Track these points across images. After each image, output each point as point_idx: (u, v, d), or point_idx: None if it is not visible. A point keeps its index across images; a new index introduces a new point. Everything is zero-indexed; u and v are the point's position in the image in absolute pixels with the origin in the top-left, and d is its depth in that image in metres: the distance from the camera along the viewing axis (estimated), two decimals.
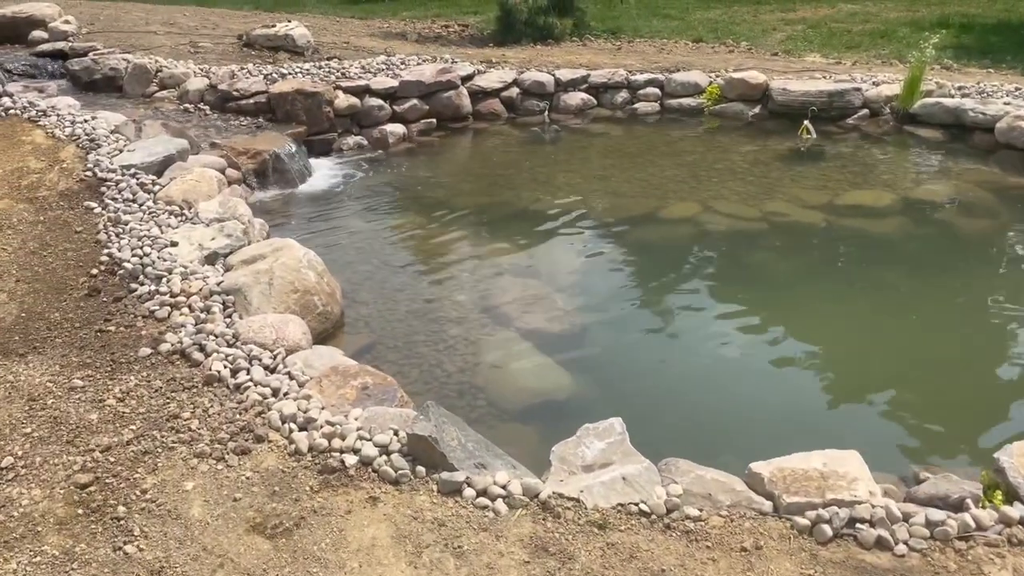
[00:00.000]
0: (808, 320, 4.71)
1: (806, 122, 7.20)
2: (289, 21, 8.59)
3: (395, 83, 7.66)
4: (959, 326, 4.57)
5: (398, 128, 7.55)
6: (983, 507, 2.60)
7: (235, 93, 7.01)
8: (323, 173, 6.75)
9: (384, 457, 2.74)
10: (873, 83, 7.82)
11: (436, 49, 9.78)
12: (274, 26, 8.43)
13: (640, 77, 8.41)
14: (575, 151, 7.47)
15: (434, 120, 7.84)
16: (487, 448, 2.84)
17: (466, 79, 8.15)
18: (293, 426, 2.91)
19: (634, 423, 3.05)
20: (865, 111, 7.58)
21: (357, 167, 7.01)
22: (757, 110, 7.84)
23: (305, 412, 2.95)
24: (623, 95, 8.38)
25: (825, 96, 7.48)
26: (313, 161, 6.83)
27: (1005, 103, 6.87)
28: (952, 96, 7.36)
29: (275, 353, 3.41)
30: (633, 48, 10.20)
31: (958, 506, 2.60)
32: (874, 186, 6.31)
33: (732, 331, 4.53)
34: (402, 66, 8.22)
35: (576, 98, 8.31)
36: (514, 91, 8.31)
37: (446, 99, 7.87)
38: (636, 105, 8.31)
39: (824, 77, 8.04)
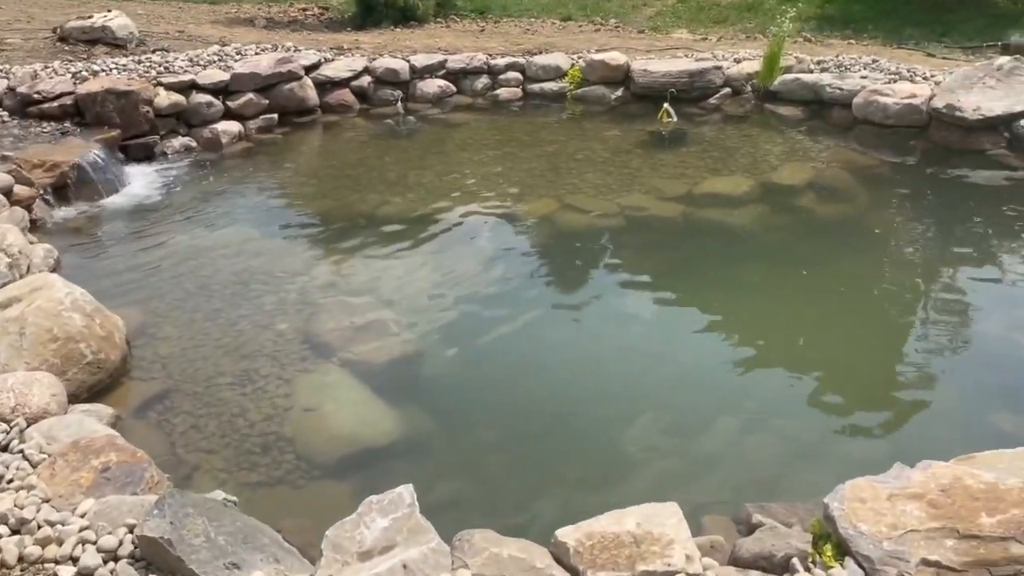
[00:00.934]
0: (663, 328, 4.40)
1: (666, 105, 6.92)
2: (109, 11, 7.74)
3: (226, 76, 6.98)
4: (818, 325, 4.33)
5: (232, 126, 6.88)
6: (812, 562, 2.30)
7: (36, 96, 6.20)
8: (142, 182, 6.05)
9: (110, 566, 2.23)
10: (735, 60, 7.61)
11: (286, 36, 9.08)
12: (90, 17, 7.58)
13: (501, 61, 7.97)
14: (431, 145, 6.98)
15: (276, 115, 7.20)
16: (245, 540, 2.36)
17: (310, 69, 7.52)
18: (4, 529, 2.36)
19: (460, 472, 2.65)
20: (727, 90, 7.36)
21: (183, 173, 6.33)
22: (620, 93, 7.52)
23: (21, 509, 2.40)
24: (483, 81, 7.93)
25: (686, 76, 7.22)
26: (131, 169, 6.12)
27: (862, 77, 6.74)
28: (811, 71, 7.21)
29: (12, 425, 2.84)
30: (498, 29, 9.75)
31: (784, 566, 2.28)
32: (733, 171, 6.07)
33: (585, 346, 4.19)
34: (238, 57, 7.53)
35: (433, 86, 7.80)
36: (366, 80, 7.74)
37: (288, 92, 7.24)
38: (497, 91, 7.87)
39: (686, 56, 7.79)
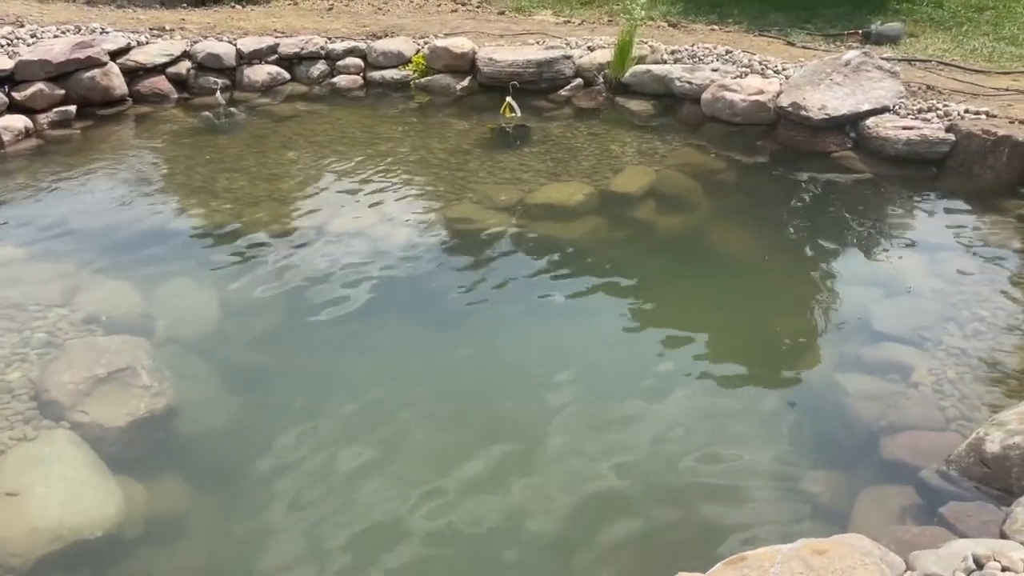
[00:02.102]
0: (464, 365, 3.93)
1: (508, 99, 6.40)
2: None
3: (11, 64, 6.09)
4: (644, 355, 3.94)
5: (16, 121, 6.00)
6: None
7: None
8: None
9: None
10: (588, 48, 7.13)
11: (105, 14, 8.12)
12: None
13: (339, 46, 7.28)
14: (251, 142, 6.28)
15: (74, 107, 6.35)
16: None
17: (118, 54, 6.70)
18: None
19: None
20: (579, 81, 6.89)
21: None
22: (466, 83, 6.95)
23: None
24: (321, 67, 7.23)
25: (533, 67, 6.70)
26: None
27: (713, 70, 6.37)
28: (664, 62, 6.81)
29: None
30: (348, 7, 9.01)
31: None
32: (573, 176, 5.61)
33: (384, 394, 3.68)
34: (31, 40, 6.62)
35: (262, 72, 7.06)
36: (185, 66, 6.95)
37: (89, 80, 6.39)
38: (336, 79, 7.20)
39: (538, 43, 7.28)
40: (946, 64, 6.66)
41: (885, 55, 6.95)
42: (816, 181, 5.46)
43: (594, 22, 8.58)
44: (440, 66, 7.01)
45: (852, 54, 5.79)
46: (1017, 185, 4.89)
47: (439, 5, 9.25)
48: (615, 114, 6.62)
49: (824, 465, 3.27)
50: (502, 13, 8.95)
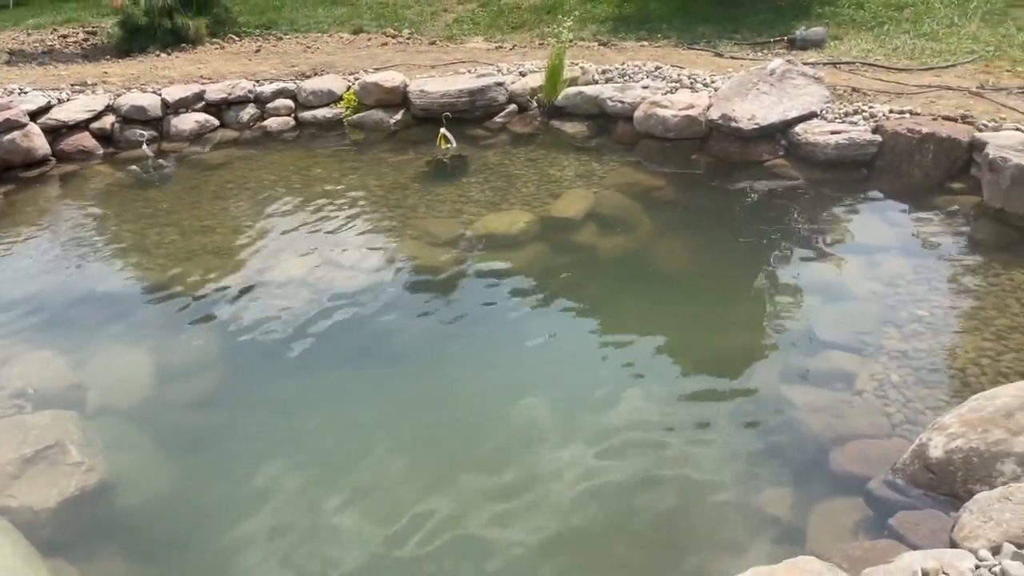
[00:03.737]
0: (435, 407, 3.84)
1: (442, 130, 6.35)
2: None
3: None
4: (598, 391, 3.86)
5: None
6: None
7: None
8: None
9: None
10: (520, 73, 7.14)
11: (24, 73, 7.92)
12: None
13: (268, 88, 7.19)
14: (183, 193, 6.14)
15: None
16: None
17: (37, 113, 6.52)
18: None
19: None
20: (513, 107, 6.87)
21: None
22: (399, 117, 6.90)
23: None
24: (250, 111, 7.12)
25: (466, 96, 6.67)
26: None
27: (644, 87, 6.40)
28: (596, 82, 6.83)
29: None
30: (277, 48, 8.92)
31: None
32: (513, 204, 5.57)
33: (330, 445, 3.59)
34: None
35: (190, 121, 6.93)
36: (110, 120, 6.80)
37: (8, 143, 6.22)
38: (267, 122, 7.10)
39: (469, 71, 7.26)
40: (870, 64, 6.78)
41: (811, 60, 7.07)
42: (751, 191, 5.50)
43: (525, 46, 8.60)
44: (372, 102, 6.95)
45: (777, 63, 5.86)
46: (945, 181, 4.96)
47: (369, 39, 9.20)
48: (551, 138, 6.62)
49: (777, 482, 3.24)
50: (433, 43, 8.93)
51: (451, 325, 4.44)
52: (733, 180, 5.62)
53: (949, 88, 5.90)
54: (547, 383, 3.94)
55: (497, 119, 6.81)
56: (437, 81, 6.91)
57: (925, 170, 5.03)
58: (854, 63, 6.84)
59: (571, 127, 6.57)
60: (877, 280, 4.34)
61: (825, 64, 6.90)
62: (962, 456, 2.72)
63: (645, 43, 8.35)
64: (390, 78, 6.89)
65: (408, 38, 9.25)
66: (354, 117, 7.00)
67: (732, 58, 7.45)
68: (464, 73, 7.20)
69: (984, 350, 3.66)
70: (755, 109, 5.58)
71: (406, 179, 6.14)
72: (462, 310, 4.59)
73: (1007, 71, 6.30)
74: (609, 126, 6.47)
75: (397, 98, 6.89)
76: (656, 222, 5.34)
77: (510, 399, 3.79)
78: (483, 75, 6.96)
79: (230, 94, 7.08)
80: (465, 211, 5.55)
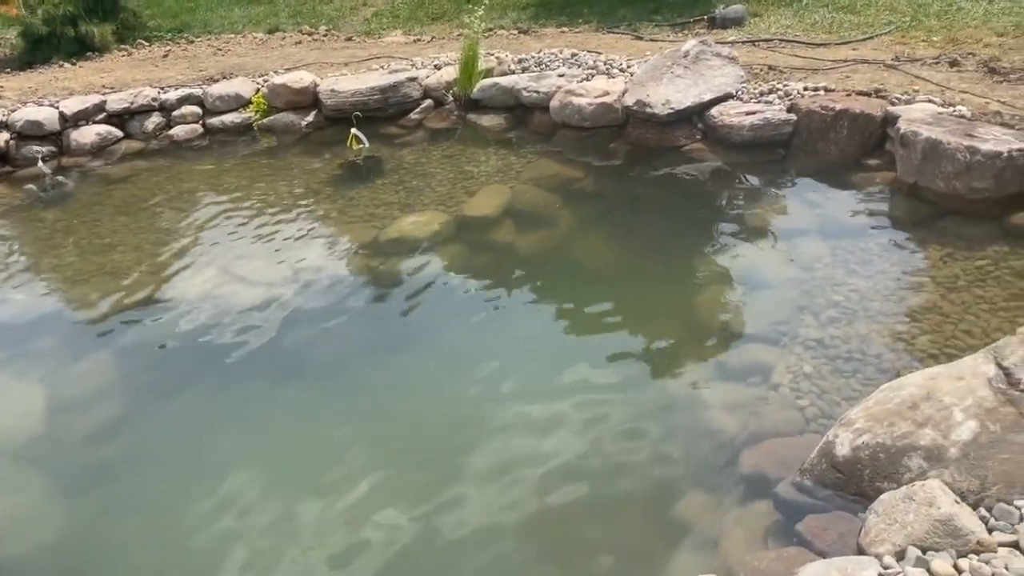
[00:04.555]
0: (356, 421, 3.63)
1: (353, 131, 6.11)
2: None
3: None
4: (514, 398, 3.69)
5: None
6: None
7: None
8: None
9: None
10: (435, 67, 6.91)
11: None
12: None
13: (173, 95, 6.85)
14: (82, 211, 5.81)
15: None
16: None
17: None
18: None
19: None
20: (428, 102, 6.65)
21: None
22: (311, 118, 6.63)
23: None
24: (155, 119, 6.79)
25: (378, 93, 6.43)
26: None
27: (560, 75, 6.22)
28: (513, 72, 6.64)
29: None
30: (187, 52, 8.56)
31: None
32: (427, 205, 5.36)
33: (246, 471, 3.36)
34: None
35: (91, 133, 6.58)
36: (3, 137, 6.41)
37: None
38: (173, 130, 6.77)
39: (383, 67, 7.01)
40: (789, 41, 6.69)
41: (730, 38, 6.96)
42: (670, 178, 5.36)
43: (444, 38, 8.37)
44: (282, 104, 6.67)
45: (690, 44, 5.72)
46: (861, 157, 4.86)
47: (284, 39, 8.88)
48: (468, 132, 6.41)
49: (691, 487, 3.10)
50: (349, 39, 8.65)
51: (364, 335, 4.25)
52: (652, 167, 5.48)
53: (865, 62, 5.82)
54: (460, 391, 3.77)
55: (413, 115, 6.58)
56: (348, 79, 6.65)
57: (841, 147, 4.93)
58: (772, 40, 6.75)
59: (488, 120, 6.37)
60: (796, 265, 4.23)
61: (744, 43, 6.80)
62: (869, 453, 2.60)
63: (566, 29, 8.17)
64: (299, 79, 6.62)
65: (324, 35, 8.95)
66: (264, 121, 6.72)
67: (652, 40, 7.31)
68: (377, 70, 6.95)
69: (899, 333, 3.56)
70: (670, 93, 5.44)
71: (318, 184, 5.89)
72: (375, 318, 4.39)
73: (922, 41, 6.25)
74: (527, 117, 6.28)
75: (307, 99, 6.62)
76: (574, 215, 5.18)
77: (426, 408, 3.64)
78: (396, 71, 6.72)
79: (133, 103, 6.74)
80: (378, 215, 5.33)
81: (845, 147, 4.92)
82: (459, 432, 3.51)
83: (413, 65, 6.97)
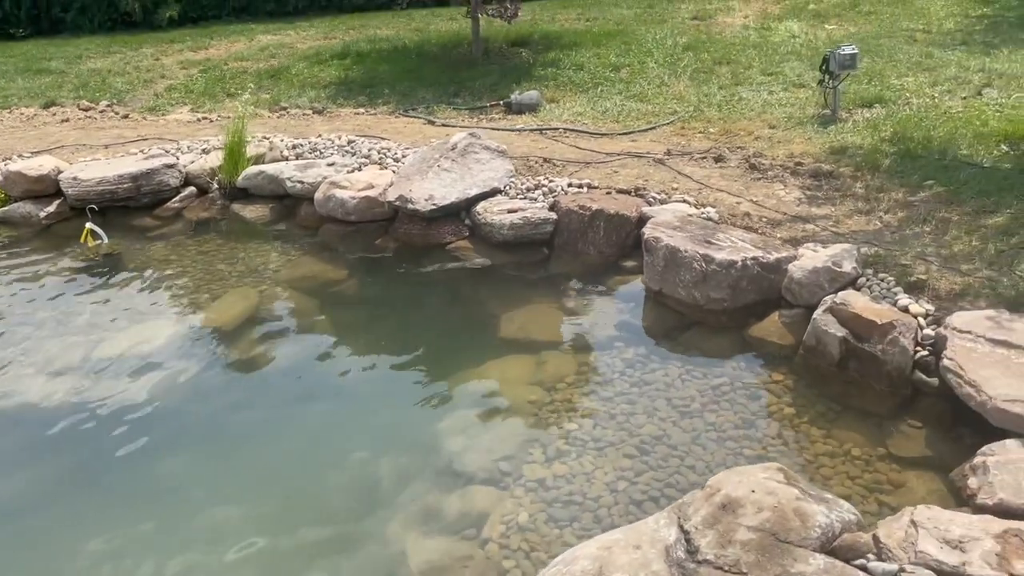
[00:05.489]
0: None
1: (88, 225, 5.46)
2: None
3: None
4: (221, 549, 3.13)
5: None
6: None
7: None
8: None
9: None
10: (204, 151, 6.36)
11: None
12: None
13: None
14: None
15: None
16: None
17: None
18: None
19: None
20: (191, 190, 6.07)
21: None
22: (52, 208, 5.89)
23: None
24: None
25: (128, 180, 5.80)
26: None
27: (329, 164, 5.81)
28: (286, 158, 6.18)
29: None
30: None
31: None
32: (164, 311, 4.77)
33: None
34: None
35: None
36: None
37: None
38: None
39: (141, 152, 6.38)
40: (574, 130, 6.56)
41: (518, 125, 6.79)
42: (431, 280, 4.98)
43: (233, 115, 7.83)
44: (19, 192, 5.92)
45: (458, 137, 5.44)
46: (620, 259, 4.65)
47: (54, 114, 8.09)
48: (231, 224, 5.85)
49: None
50: (126, 116, 7.97)
51: (65, 482, 3.57)
52: (418, 266, 5.08)
53: (639, 155, 5.71)
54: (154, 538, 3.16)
55: (172, 204, 5.97)
56: (97, 166, 6.00)
57: (599, 248, 4.72)
58: (558, 129, 6.61)
59: (252, 211, 5.85)
60: (538, 384, 3.89)
61: (532, 130, 6.63)
62: None
63: (362, 110, 7.81)
64: (36, 165, 5.90)
65: (103, 111, 8.22)
66: (0, 211, 5.93)
67: (444, 125, 7.04)
68: (136, 154, 6.31)
69: (623, 470, 3.25)
70: (434, 188, 5.11)
71: (49, 287, 5.17)
72: (81, 461, 3.72)
73: (700, 132, 6.25)
74: (295, 209, 5.80)
75: (49, 187, 5.90)
76: (326, 324, 4.71)
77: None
78: (152, 156, 6.12)
79: None
80: (101, 326, 4.67)
81: (603, 248, 4.70)
82: None
83: (179, 149, 6.39)
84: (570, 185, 5.11)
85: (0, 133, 7.39)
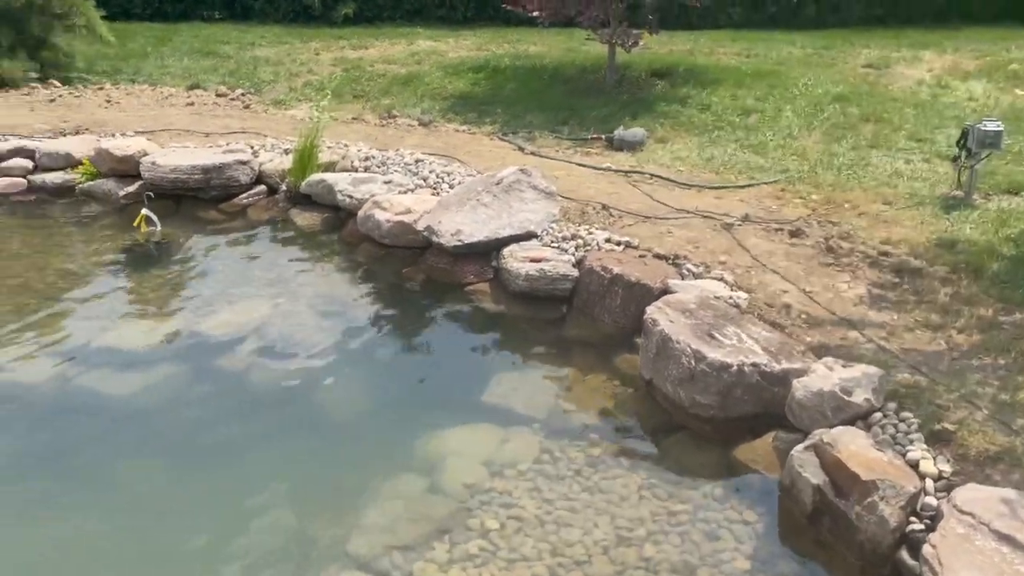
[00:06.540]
0: None
1: (144, 211, 5.58)
2: None
3: None
4: None
5: None
6: None
7: None
8: None
9: None
10: (285, 151, 6.37)
11: None
12: None
13: (4, 145, 6.45)
14: None
15: None
16: None
17: None
18: None
19: None
20: (262, 188, 6.10)
21: None
22: (133, 189, 6.10)
23: None
24: None
25: (199, 172, 5.89)
26: None
27: (386, 181, 5.60)
28: (356, 169, 6.05)
29: None
30: (78, 99, 8.24)
31: None
32: (176, 311, 4.74)
33: None
34: None
35: None
36: None
37: None
38: None
39: (226, 144, 6.49)
40: (662, 177, 5.95)
41: (604, 164, 6.28)
42: (443, 320, 4.62)
43: (356, 118, 7.88)
44: (106, 169, 6.20)
45: (508, 171, 5.05)
46: (635, 334, 4.03)
47: (190, 96, 8.51)
48: (284, 228, 5.80)
49: None
50: (247, 107, 8.24)
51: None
52: (434, 306, 4.74)
53: (709, 216, 5.03)
54: None
55: (240, 200, 6.02)
56: (178, 154, 6.16)
57: (614, 318, 4.15)
58: (644, 174, 6.02)
59: (304, 219, 5.75)
60: (487, 465, 3.41)
61: (616, 171, 6.10)
62: None
63: (465, 127, 7.59)
64: (124, 145, 6.15)
65: (233, 99, 8.55)
66: (86, 184, 6.24)
67: (533, 154, 6.66)
68: (221, 145, 6.44)
69: None
70: (465, 223, 4.75)
71: (91, 265, 5.34)
72: (59, 450, 3.73)
73: (799, 198, 5.44)
74: (345, 222, 5.64)
75: (132, 168, 6.12)
76: (320, 350, 4.41)
77: None
78: (230, 151, 6.19)
79: None
80: (100, 315, 4.69)
81: (618, 318, 4.13)
82: None
83: (262, 147, 6.45)
84: (607, 240, 4.57)
85: (127, 108, 7.87)
